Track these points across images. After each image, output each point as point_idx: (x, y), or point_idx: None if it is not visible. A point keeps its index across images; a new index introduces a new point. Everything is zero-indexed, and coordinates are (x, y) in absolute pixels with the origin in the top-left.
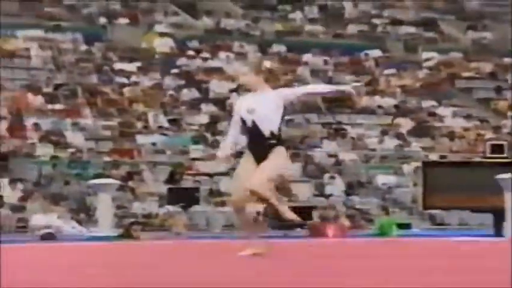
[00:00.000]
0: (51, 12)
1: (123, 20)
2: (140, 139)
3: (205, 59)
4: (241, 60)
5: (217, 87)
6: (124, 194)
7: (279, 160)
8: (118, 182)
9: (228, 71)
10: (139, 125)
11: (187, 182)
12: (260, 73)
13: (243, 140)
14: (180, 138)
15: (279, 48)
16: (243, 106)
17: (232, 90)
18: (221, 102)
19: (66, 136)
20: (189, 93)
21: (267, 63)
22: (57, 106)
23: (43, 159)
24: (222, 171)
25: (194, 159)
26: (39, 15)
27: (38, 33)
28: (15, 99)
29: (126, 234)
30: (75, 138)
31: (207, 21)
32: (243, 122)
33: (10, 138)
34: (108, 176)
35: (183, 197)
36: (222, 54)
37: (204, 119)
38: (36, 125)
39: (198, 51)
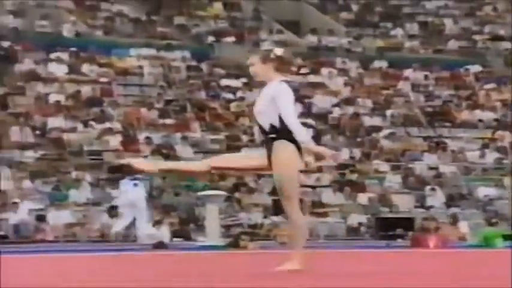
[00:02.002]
0: (163, 32)
1: (230, 39)
2: (246, 152)
3: (308, 75)
4: (342, 76)
5: (320, 102)
6: (231, 205)
7: (282, 162)
8: (225, 193)
9: (331, 86)
10: (245, 138)
11: None
12: (269, 62)
13: None
14: None
15: (380, 64)
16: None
17: (334, 105)
18: (324, 117)
19: (176, 149)
20: None
21: (278, 51)
22: (168, 121)
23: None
24: (325, 184)
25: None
26: (151, 35)
27: (150, 51)
28: (128, 115)
29: (234, 244)
30: (184, 151)
31: (310, 39)
32: None
33: (124, 151)
34: (215, 188)
35: None
36: (325, 70)
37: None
38: (148, 138)
39: (301, 68)
